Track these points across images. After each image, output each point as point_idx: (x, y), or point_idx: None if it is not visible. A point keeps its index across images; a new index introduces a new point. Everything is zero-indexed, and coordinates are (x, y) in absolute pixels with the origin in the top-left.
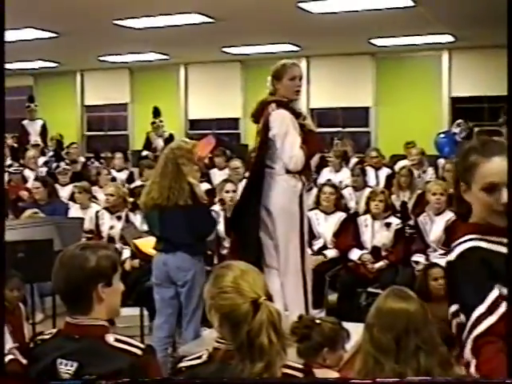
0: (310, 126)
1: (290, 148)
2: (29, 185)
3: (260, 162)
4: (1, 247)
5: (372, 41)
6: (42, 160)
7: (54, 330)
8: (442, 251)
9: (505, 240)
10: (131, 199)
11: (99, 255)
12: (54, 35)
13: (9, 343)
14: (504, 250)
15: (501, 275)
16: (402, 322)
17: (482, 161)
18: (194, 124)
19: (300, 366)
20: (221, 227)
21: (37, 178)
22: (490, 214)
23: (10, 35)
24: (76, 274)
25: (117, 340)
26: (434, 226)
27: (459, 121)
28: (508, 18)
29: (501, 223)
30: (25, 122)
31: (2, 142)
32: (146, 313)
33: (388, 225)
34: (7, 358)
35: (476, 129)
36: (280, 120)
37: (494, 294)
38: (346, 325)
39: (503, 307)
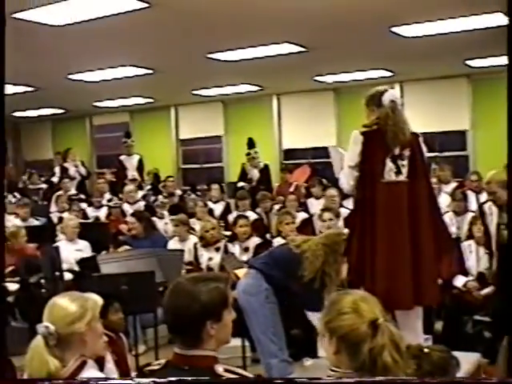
0: None
1: None
2: (128, 219)
3: None
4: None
5: (467, 62)
6: (140, 194)
7: (163, 361)
8: None
9: None
10: (228, 232)
11: (210, 292)
12: (149, 72)
13: (114, 374)
14: None
15: None
16: None
17: None
18: (288, 154)
19: None
20: None
21: (133, 214)
22: None
23: (106, 74)
24: (184, 309)
25: (226, 370)
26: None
27: None
28: (508, 19)
29: None
30: (122, 158)
31: (3, 144)
32: (247, 343)
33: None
34: None
35: None
36: None
37: None
38: (453, 354)
39: None
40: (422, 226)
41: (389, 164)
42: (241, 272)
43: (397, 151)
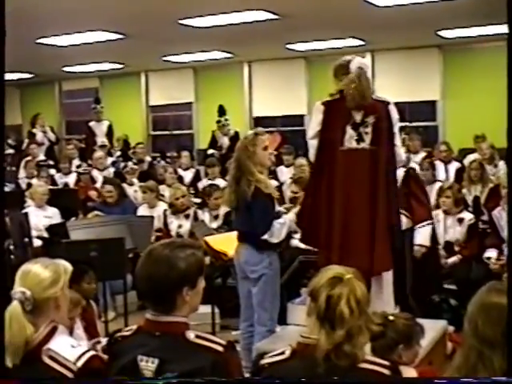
0: None
1: None
2: (97, 185)
3: None
4: (1, 246)
5: (439, 33)
6: (109, 160)
7: (134, 327)
8: None
9: None
10: (198, 199)
11: (188, 259)
12: (120, 37)
13: (83, 340)
14: None
15: None
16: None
17: None
18: (258, 121)
19: (387, 363)
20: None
21: (106, 181)
22: None
23: (76, 38)
24: (162, 276)
25: (198, 337)
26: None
27: None
28: (508, 18)
29: None
30: (92, 124)
31: (2, 140)
32: (217, 310)
33: (461, 220)
34: (88, 355)
35: None
36: None
37: None
38: (419, 321)
39: None
40: (379, 194)
41: (349, 131)
42: (211, 239)
43: (358, 118)
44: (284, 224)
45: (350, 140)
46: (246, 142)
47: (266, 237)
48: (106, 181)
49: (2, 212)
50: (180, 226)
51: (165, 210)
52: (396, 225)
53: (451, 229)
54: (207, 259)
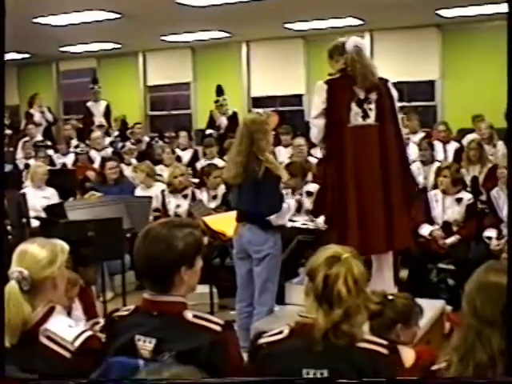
0: None
1: None
2: (95, 165)
3: None
4: (1, 237)
5: (438, 12)
6: (107, 140)
7: (132, 307)
8: None
9: None
10: (196, 179)
11: (186, 238)
12: (117, 16)
13: (82, 320)
14: None
15: None
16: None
17: None
18: (257, 101)
19: (385, 343)
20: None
21: (107, 159)
22: None
23: (73, 18)
24: (160, 255)
25: (195, 316)
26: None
27: None
28: (508, 18)
29: None
30: (89, 104)
31: (2, 133)
32: (215, 290)
33: (459, 200)
34: (85, 335)
35: None
36: None
37: None
38: (417, 301)
39: None
40: (391, 170)
41: (354, 108)
42: (210, 219)
43: (362, 95)
44: (289, 207)
45: (355, 117)
46: (262, 119)
47: (272, 217)
48: (107, 158)
49: (2, 192)
50: (178, 206)
51: (162, 190)
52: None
53: (450, 209)
54: (205, 239)
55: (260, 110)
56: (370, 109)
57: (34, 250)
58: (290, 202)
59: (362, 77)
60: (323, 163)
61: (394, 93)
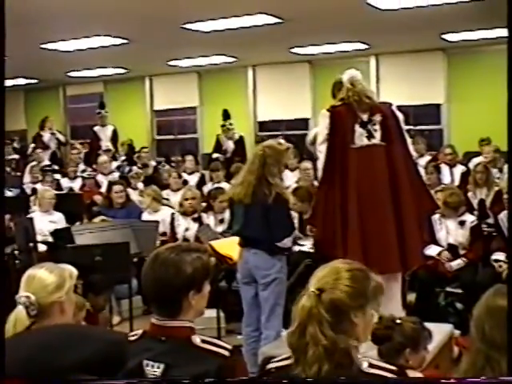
0: None
1: None
2: (102, 190)
3: None
4: (1, 248)
5: (444, 36)
6: (114, 165)
7: (140, 332)
8: None
9: None
10: (204, 203)
11: (194, 263)
12: (124, 42)
13: None
14: None
15: None
16: None
17: None
18: (263, 125)
19: (393, 368)
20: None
21: (114, 183)
22: None
23: (81, 43)
24: (169, 280)
25: (203, 341)
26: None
27: None
28: (508, 17)
29: None
30: (96, 128)
31: (3, 141)
32: (222, 315)
33: (462, 223)
34: None
35: None
36: None
37: None
38: (425, 325)
39: None
40: (402, 188)
41: (358, 130)
42: (217, 244)
43: (365, 117)
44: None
45: (360, 137)
46: (281, 148)
47: (284, 241)
48: (113, 182)
49: (2, 217)
50: (187, 229)
51: (172, 213)
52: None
53: (454, 231)
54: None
55: (281, 141)
56: (375, 129)
57: (42, 275)
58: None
59: (357, 101)
60: (321, 183)
61: (399, 115)
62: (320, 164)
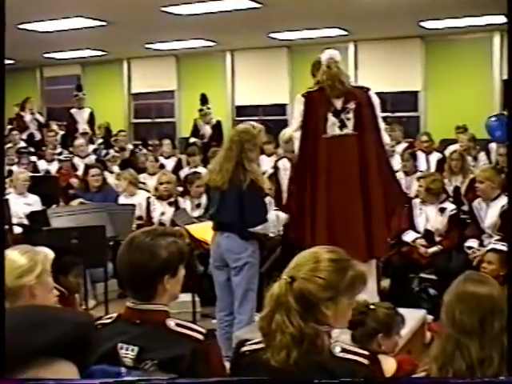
0: None
1: None
2: (79, 173)
3: None
4: (1, 240)
5: (422, 23)
6: (90, 148)
7: (114, 315)
8: (498, 237)
9: None
10: (181, 187)
11: (169, 247)
12: (102, 24)
13: None
14: None
15: None
16: (486, 304)
17: None
18: (240, 110)
19: (366, 352)
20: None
21: (90, 166)
22: None
23: (59, 24)
24: (144, 264)
25: (178, 325)
26: (489, 212)
27: None
28: (508, 17)
29: None
30: (73, 111)
31: (2, 136)
32: (197, 299)
33: (442, 210)
34: None
35: None
36: None
37: None
38: (399, 310)
39: None
40: (371, 179)
41: (331, 119)
42: (193, 228)
43: (339, 105)
44: (279, 219)
45: (332, 127)
46: (256, 131)
47: (257, 228)
48: (90, 165)
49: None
50: (163, 213)
51: (148, 197)
52: (399, 205)
53: (433, 218)
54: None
55: (253, 123)
56: (348, 118)
57: (13, 257)
58: (279, 214)
59: (330, 86)
60: (293, 172)
61: (376, 101)
62: (295, 151)
